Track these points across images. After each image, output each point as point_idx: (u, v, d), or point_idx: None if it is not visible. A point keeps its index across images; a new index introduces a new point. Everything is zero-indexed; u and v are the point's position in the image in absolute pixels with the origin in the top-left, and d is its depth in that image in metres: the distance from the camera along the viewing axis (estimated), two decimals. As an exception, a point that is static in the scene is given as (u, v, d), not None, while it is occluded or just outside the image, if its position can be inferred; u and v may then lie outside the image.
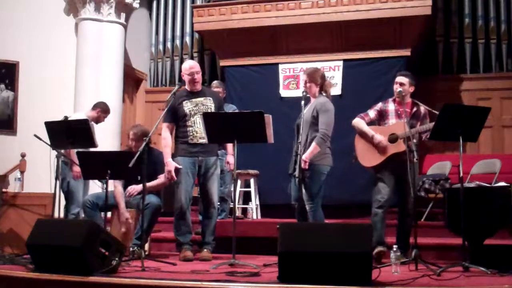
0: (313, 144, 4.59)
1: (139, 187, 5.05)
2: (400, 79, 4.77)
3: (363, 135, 4.82)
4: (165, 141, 4.87)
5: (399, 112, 4.76)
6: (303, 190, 4.59)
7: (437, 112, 4.28)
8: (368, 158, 4.79)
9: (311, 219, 4.59)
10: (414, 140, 4.60)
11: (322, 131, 4.62)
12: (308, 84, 4.79)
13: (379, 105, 4.88)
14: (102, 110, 6.09)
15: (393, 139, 4.70)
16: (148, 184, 4.72)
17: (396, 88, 4.72)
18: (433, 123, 4.40)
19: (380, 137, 4.71)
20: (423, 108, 4.76)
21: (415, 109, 4.74)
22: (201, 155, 4.81)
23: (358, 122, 4.85)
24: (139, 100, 9.09)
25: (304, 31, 7.23)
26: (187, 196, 4.78)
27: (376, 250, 4.49)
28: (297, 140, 4.64)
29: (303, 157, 4.54)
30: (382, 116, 4.84)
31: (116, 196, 5.07)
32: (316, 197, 4.60)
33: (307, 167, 4.53)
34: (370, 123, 4.86)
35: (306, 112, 4.67)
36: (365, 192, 6.37)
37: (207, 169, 4.84)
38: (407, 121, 4.60)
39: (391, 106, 4.82)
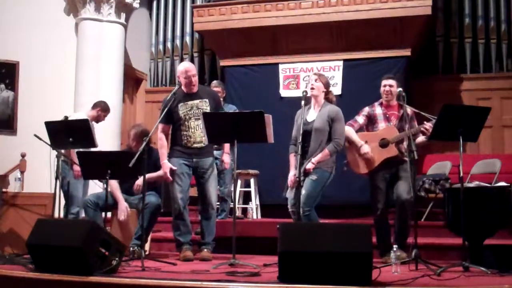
0: (326, 150, 4.56)
1: (140, 180, 5.00)
2: (389, 81, 4.80)
3: (352, 144, 4.82)
4: (161, 142, 4.89)
5: (387, 115, 4.78)
6: (302, 193, 4.54)
7: (422, 113, 4.39)
8: (361, 165, 4.80)
9: None
10: (405, 143, 4.63)
11: (337, 141, 4.61)
12: (317, 84, 4.72)
13: (366, 110, 4.86)
14: (102, 109, 6.08)
15: (384, 144, 4.71)
16: (148, 175, 4.67)
17: (393, 89, 4.73)
18: (421, 125, 4.55)
19: (366, 149, 4.71)
20: (409, 110, 4.76)
21: (401, 111, 4.74)
22: (195, 157, 4.82)
23: (347, 130, 4.78)
24: (139, 100, 9.09)
25: (304, 31, 7.23)
26: (183, 197, 4.78)
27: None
28: (297, 141, 4.55)
29: (313, 160, 4.52)
30: (371, 121, 4.83)
31: (112, 188, 5.00)
32: (313, 202, 4.55)
33: (311, 170, 4.52)
34: (360, 129, 4.86)
35: (318, 119, 4.63)
36: (364, 192, 6.31)
37: (204, 170, 4.83)
38: (396, 124, 4.66)
39: (378, 110, 4.82)
